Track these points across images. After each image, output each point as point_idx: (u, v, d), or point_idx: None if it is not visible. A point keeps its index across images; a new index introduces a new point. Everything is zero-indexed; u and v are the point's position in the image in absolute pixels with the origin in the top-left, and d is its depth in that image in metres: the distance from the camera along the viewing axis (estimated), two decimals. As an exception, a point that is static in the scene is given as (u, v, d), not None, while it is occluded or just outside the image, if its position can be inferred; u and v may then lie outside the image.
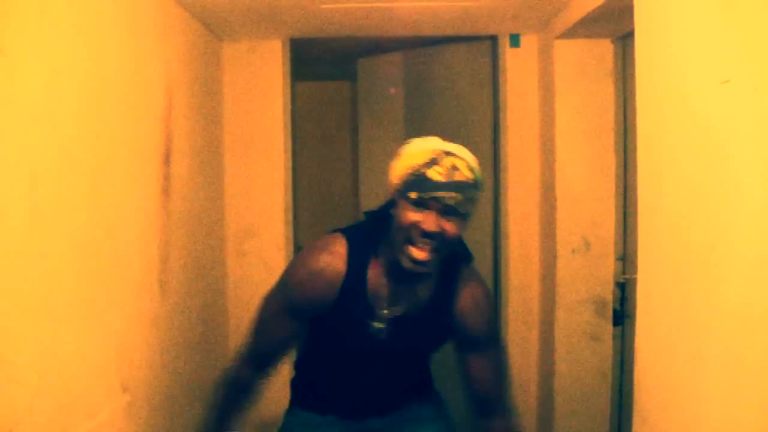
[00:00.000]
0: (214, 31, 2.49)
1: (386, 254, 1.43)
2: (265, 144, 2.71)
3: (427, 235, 1.31)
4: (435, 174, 1.31)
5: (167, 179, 1.91)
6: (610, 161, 2.40)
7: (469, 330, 1.49)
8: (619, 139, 2.38)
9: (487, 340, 1.52)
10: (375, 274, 1.45)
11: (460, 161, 1.35)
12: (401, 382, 1.63)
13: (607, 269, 2.42)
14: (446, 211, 1.31)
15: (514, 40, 2.66)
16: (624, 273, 2.37)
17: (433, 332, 1.51)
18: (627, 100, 2.32)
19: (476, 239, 2.84)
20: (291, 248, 2.78)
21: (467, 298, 1.49)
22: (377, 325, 1.46)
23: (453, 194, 1.31)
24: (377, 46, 3.05)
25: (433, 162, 1.32)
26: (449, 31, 2.66)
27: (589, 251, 2.43)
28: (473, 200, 1.36)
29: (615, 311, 2.40)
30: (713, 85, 1.12)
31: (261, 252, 2.71)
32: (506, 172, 2.70)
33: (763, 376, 1.00)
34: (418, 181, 1.31)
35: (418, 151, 1.35)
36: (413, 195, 1.31)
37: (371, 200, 3.18)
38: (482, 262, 2.82)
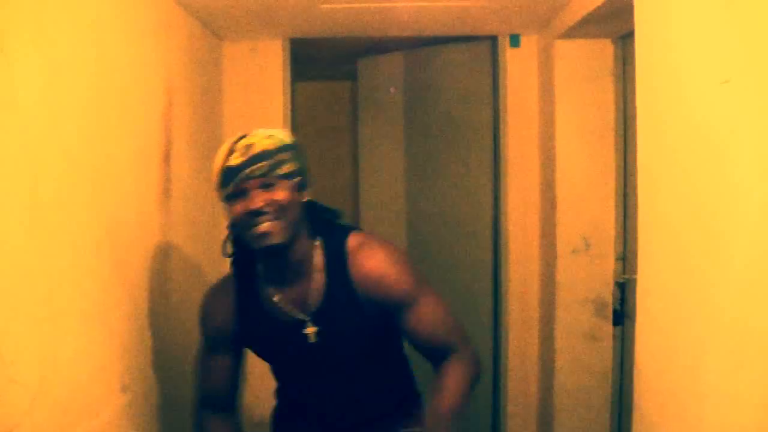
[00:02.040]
0: (214, 31, 2.49)
1: (262, 265, 1.45)
2: (265, 144, 2.71)
3: (255, 213, 1.31)
4: (234, 160, 1.33)
5: (167, 179, 1.91)
6: (610, 161, 2.40)
7: (380, 298, 1.40)
8: (619, 139, 2.38)
9: (408, 296, 1.41)
10: (266, 287, 1.45)
11: (254, 137, 1.36)
12: (364, 391, 1.53)
13: (607, 269, 2.42)
14: (265, 183, 1.32)
15: (514, 40, 2.66)
16: (624, 273, 2.37)
17: (350, 316, 1.42)
18: (627, 100, 2.32)
19: (476, 239, 2.85)
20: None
21: (361, 269, 1.40)
22: (308, 331, 1.43)
23: (257, 165, 1.32)
24: (377, 46, 3.05)
25: (230, 152, 1.34)
26: (449, 31, 2.66)
27: (589, 251, 2.43)
28: (286, 161, 1.35)
29: (615, 311, 2.40)
30: (713, 85, 1.12)
31: (261, 252, 2.71)
32: (506, 172, 2.70)
33: (763, 376, 1.00)
34: (224, 176, 1.34)
35: (218, 154, 1.38)
36: (227, 190, 1.34)
37: (371, 200, 3.18)
38: (482, 262, 2.82)
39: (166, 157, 1.91)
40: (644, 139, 1.45)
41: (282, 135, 1.40)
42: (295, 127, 2.84)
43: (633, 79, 1.53)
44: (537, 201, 2.67)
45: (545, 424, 2.61)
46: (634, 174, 1.98)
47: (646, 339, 1.43)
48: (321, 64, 3.57)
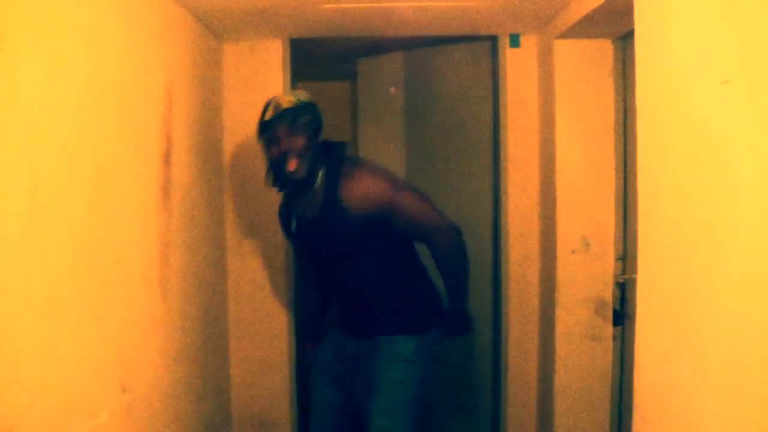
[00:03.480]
0: (214, 31, 2.49)
1: (290, 186, 2.01)
2: (265, 144, 2.71)
3: (284, 153, 1.87)
4: (267, 115, 1.90)
5: (167, 179, 1.91)
6: (610, 161, 2.40)
7: (368, 212, 1.89)
8: (619, 139, 2.38)
9: (395, 207, 1.91)
10: (290, 196, 2.09)
11: (281, 97, 1.93)
12: (363, 292, 2.01)
13: (607, 269, 2.42)
14: (289, 132, 1.86)
15: (514, 40, 2.66)
16: (624, 273, 2.37)
17: (330, 227, 1.93)
18: (627, 100, 2.32)
19: (476, 239, 2.85)
20: (291, 248, 2.78)
21: (351, 191, 1.89)
22: (293, 224, 2.06)
23: (284, 118, 1.86)
24: (377, 46, 3.05)
25: (264, 110, 1.92)
26: (449, 31, 2.66)
27: (589, 251, 2.43)
28: (302, 114, 1.89)
29: (615, 311, 2.40)
30: (713, 85, 1.12)
31: (261, 252, 2.71)
32: (506, 172, 2.70)
33: (763, 376, 1.00)
34: (261, 128, 1.93)
35: (260, 113, 1.94)
36: (264, 138, 1.92)
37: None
38: (482, 262, 2.82)
39: (166, 157, 1.91)
40: (644, 139, 1.45)
41: (302, 95, 1.94)
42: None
43: (633, 79, 1.53)
44: (537, 201, 2.67)
45: (545, 424, 2.61)
46: (634, 174, 1.99)
47: (646, 339, 1.43)
48: (321, 64, 3.57)
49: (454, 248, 1.99)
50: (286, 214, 2.11)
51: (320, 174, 1.94)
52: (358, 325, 2.07)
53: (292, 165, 1.86)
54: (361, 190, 1.89)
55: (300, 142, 1.86)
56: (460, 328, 2.14)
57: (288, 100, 1.90)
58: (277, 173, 1.95)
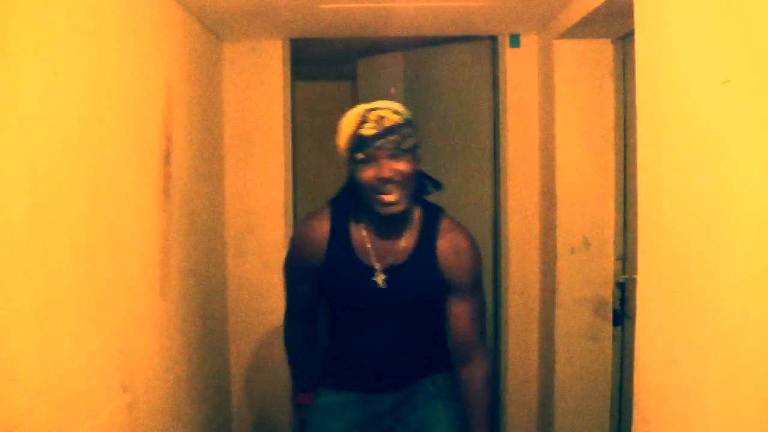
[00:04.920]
0: (214, 31, 2.49)
1: (365, 215, 1.64)
2: (265, 144, 2.71)
3: (385, 180, 1.52)
4: (368, 130, 1.52)
5: (167, 179, 1.91)
6: (610, 161, 2.40)
7: (450, 274, 1.65)
8: (619, 139, 2.38)
9: (467, 286, 1.67)
10: (359, 233, 1.66)
11: (384, 111, 1.55)
12: (410, 343, 1.70)
13: (607, 269, 2.42)
14: (393, 154, 1.52)
15: (514, 40, 2.66)
16: (624, 273, 2.37)
17: (422, 277, 1.64)
18: (627, 100, 2.32)
19: (476, 239, 2.84)
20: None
21: (447, 245, 1.65)
22: (378, 277, 1.63)
23: (389, 138, 1.52)
24: (377, 46, 3.05)
25: (363, 121, 1.53)
26: (449, 31, 2.66)
27: (589, 251, 2.43)
28: (410, 135, 1.55)
29: (615, 311, 2.40)
30: (713, 85, 1.12)
31: (261, 252, 2.71)
32: (506, 172, 2.70)
33: (763, 376, 1.00)
34: (357, 142, 1.53)
35: (349, 119, 1.57)
36: (360, 156, 1.53)
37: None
38: (482, 262, 2.82)
39: (166, 157, 1.91)
40: (644, 139, 1.45)
41: (404, 110, 1.59)
42: (295, 127, 2.84)
43: (633, 79, 1.53)
44: (537, 201, 2.67)
45: (545, 424, 2.61)
46: (634, 174, 1.98)
47: (646, 339, 1.43)
48: (321, 64, 3.57)
49: (488, 375, 1.71)
50: (340, 255, 1.65)
51: (416, 215, 1.67)
52: (386, 375, 1.71)
53: (393, 195, 1.53)
54: (463, 250, 1.65)
55: (404, 167, 1.53)
56: None
57: (393, 114, 1.55)
58: (363, 200, 1.59)
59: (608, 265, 2.42)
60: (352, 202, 1.65)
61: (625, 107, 2.35)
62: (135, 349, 1.64)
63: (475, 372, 1.69)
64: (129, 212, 1.62)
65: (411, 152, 1.55)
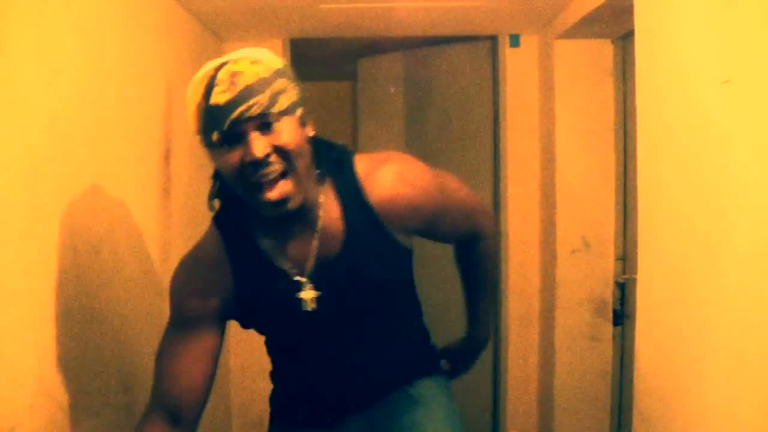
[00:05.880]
0: (214, 31, 2.49)
1: (254, 217, 1.18)
2: (265, 144, 2.70)
3: (258, 164, 1.03)
4: (219, 96, 1.02)
5: (167, 179, 1.91)
6: (610, 161, 2.40)
7: (409, 219, 1.19)
8: (619, 139, 2.38)
9: (437, 208, 1.24)
10: (263, 240, 1.19)
11: (237, 64, 1.04)
12: (374, 353, 1.29)
13: (607, 269, 2.42)
14: (263, 124, 1.04)
15: (514, 40, 2.66)
16: (624, 273, 2.37)
17: (371, 258, 1.18)
18: (627, 100, 2.32)
19: (476, 239, 2.85)
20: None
21: (382, 192, 1.17)
22: (306, 295, 1.18)
23: (251, 102, 1.02)
24: (377, 46, 3.05)
25: (210, 86, 1.03)
26: (449, 31, 2.66)
27: (589, 251, 2.43)
28: (282, 91, 1.06)
29: (615, 311, 2.40)
30: (713, 85, 1.12)
31: (261, 252, 2.70)
32: (506, 172, 2.70)
33: (763, 376, 1.00)
34: (207, 117, 1.04)
35: (193, 86, 1.07)
36: (215, 137, 1.04)
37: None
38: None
39: (166, 157, 1.91)
40: (644, 139, 1.45)
41: (270, 57, 1.08)
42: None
43: (633, 79, 1.53)
44: (537, 201, 2.67)
45: (545, 424, 2.61)
46: (634, 174, 1.98)
47: (646, 339, 1.43)
48: (321, 64, 3.57)
49: (495, 241, 1.44)
50: (254, 278, 1.20)
51: (326, 193, 1.18)
52: (360, 396, 1.32)
53: (278, 188, 1.06)
54: (405, 196, 1.18)
55: (286, 138, 1.05)
56: (472, 362, 1.58)
57: (252, 65, 1.04)
58: (234, 199, 1.14)
59: (608, 265, 2.42)
60: (235, 203, 1.17)
61: (625, 107, 2.35)
62: (135, 349, 1.64)
63: (484, 235, 1.39)
64: (129, 212, 1.62)
65: (291, 113, 1.07)
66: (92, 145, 1.41)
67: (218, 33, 2.54)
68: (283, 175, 1.06)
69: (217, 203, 1.21)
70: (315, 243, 1.18)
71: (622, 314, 2.37)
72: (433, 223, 1.24)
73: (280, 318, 1.22)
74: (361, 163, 1.20)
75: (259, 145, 1.03)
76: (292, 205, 1.08)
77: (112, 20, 1.54)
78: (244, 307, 1.22)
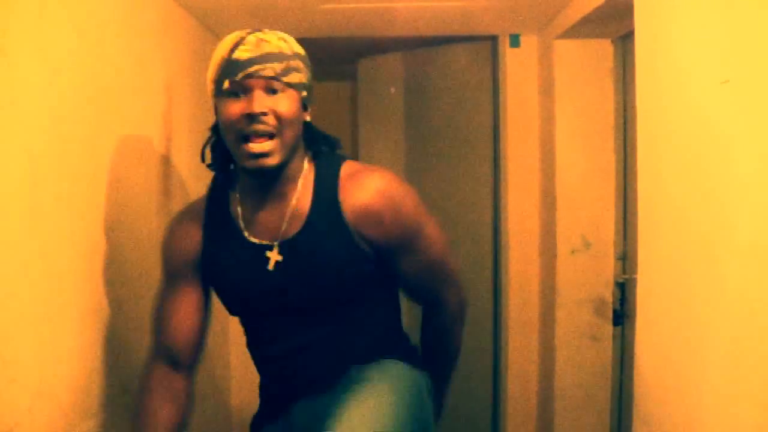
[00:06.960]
0: (214, 30, 2.49)
1: (239, 176, 1.27)
2: (265, 144, 2.70)
3: (255, 117, 1.13)
4: (242, 53, 1.15)
5: (167, 179, 1.91)
6: (610, 161, 2.40)
7: (373, 236, 1.22)
8: (619, 139, 2.38)
9: (405, 242, 1.25)
10: (237, 204, 1.28)
11: (266, 34, 1.18)
12: (335, 343, 1.30)
13: (607, 269, 2.42)
14: (271, 87, 1.15)
15: (514, 40, 2.66)
16: (624, 273, 2.37)
17: (328, 251, 1.22)
18: (627, 100, 2.32)
19: (476, 239, 2.85)
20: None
21: (355, 198, 1.21)
22: (272, 256, 1.23)
23: (268, 65, 1.14)
24: (377, 46, 3.05)
25: (238, 43, 1.17)
26: (449, 31, 2.66)
27: (589, 251, 2.43)
28: (297, 70, 1.18)
29: (615, 311, 2.40)
30: (713, 85, 1.12)
31: (261, 252, 2.70)
32: (506, 172, 2.70)
33: (763, 376, 1.00)
34: (226, 68, 1.16)
35: (222, 44, 1.21)
36: (226, 85, 1.16)
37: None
38: (482, 262, 2.82)
39: (166, 157, 1.91)
40: (644, 139, 1.45)
41: (296, 42, 1.23)
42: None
43: (633, 79, 1.53)
44: (537, 201, 2.67)
45: (545, 424, 2.61)
46: (634, 174, 1.98)
47: (646, 339, 1.43)
48: (321, 64, 3.56)
49: (461, 314, 1.40)
50: (219, 241, 1.28)
51: (306, 172, 1.25)
52: (312, 376, 1.32)
53: (264, 143, 1.15)
54: (378, 205, 1.21)
55: (284, 106, 1.15)
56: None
57: (279, 40, 1.18)
58: (225, 150, 1.22)
59: (608, 265, 2.42)
60: (225, 160, 1.27)
61: (625, 107, 2.35)
62: (135, 349, 1.64)
63: (446, 300, 1.36)
64: (129, 212, 1.62)
65: (297, 89, 1.18)
66: (92, 144, 1.41)
67: (218, 33, 2.54)
68: (270, 135, 1.16)
69: (209, 155, 1.31)
70: (285, 216, 1.24)
71: (622, 314, 2.37)
72: (396, 250, 1.26)
73: (235, 282, 1.29)
74: (349, 166, 1.27)
75: (261, 102, 1.14)
76: (270, 161, 1.16)
77: (111, 20, 1.54)
78: (205, 266, 1.31)
